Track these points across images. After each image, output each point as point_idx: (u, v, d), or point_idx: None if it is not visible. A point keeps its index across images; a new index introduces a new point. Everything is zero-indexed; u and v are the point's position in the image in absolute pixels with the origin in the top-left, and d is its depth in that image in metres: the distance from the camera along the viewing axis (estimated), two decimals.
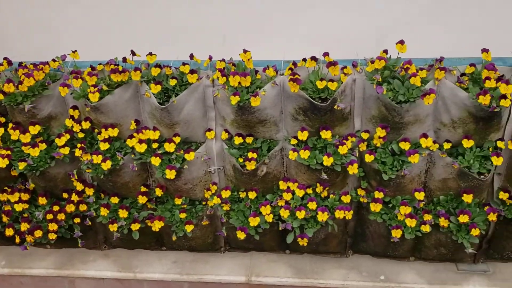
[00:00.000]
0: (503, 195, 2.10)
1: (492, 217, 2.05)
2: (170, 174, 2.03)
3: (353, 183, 2.27)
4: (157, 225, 2.18)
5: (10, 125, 2.15)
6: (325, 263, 2.49)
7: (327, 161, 1.97)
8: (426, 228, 2.09)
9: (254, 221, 2.11)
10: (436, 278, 2.36)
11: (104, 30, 2.56)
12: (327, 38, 2.47)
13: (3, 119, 2.21)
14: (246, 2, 2.55)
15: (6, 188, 2.34)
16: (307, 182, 2.16)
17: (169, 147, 2.05)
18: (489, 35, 2.13)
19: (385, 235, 2.21)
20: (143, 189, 2.27)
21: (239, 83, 1.89)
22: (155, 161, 2.05)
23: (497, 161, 1.94)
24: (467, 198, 2.03)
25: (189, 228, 2.20)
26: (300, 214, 2.09)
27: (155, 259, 2.60)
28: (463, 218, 2.03)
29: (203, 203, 2.30)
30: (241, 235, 2.14)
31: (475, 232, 2.04)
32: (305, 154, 1.99)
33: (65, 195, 2.32)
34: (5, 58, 2.15)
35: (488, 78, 1.81)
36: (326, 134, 2.00)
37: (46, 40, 2.64)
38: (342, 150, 1.97)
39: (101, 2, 2.57)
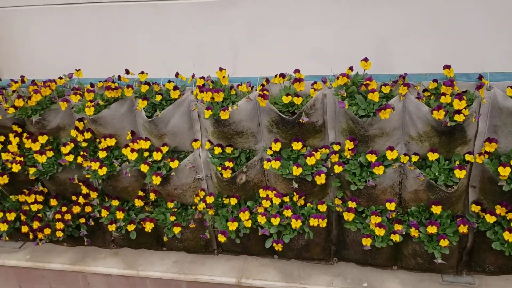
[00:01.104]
0: (475, 208, 2.13)
1: (463, 229, 2.09)
2: (156, 180, 2.24)
3: (334, 193, 2.38)
4: (148, 226, 2.40)
5: (25, 134, 2.45)
6: (312, 269, 2.60)
7: (296, 171, 2.10)
8: (396, 238, 2.16)
9: (232, 226, 2.28)
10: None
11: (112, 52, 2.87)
12: (315, 53, 2.63)
13: (20, 129, 2.52)
14: (240, 20, 2.76)
15: (24, 190, 2.65)
16: (284, 190, 2.30)
17: (156, 156, 2.26)
18: (459, 51, 2.18)
19: (362, 244, 2.29)
20: (140, 193, 2.50)
21: (212, 98, 2.07)
22: (144, 168, 2.27)
23: (460, 174, 1.98)
24: (436, 210, 2.08)
25: (176, 230, 2.40)
26: (275, 221, 2.23)
27: (158, 258, 2.82)
28: (431, 229, 2.09)
29: (193, 207, 2.49)
30: (221, 238, 2.31)
31: (444, 243, 2.08)
32: (276, 164, 2.13)
33: (74, 198, 2.60)
34: (22, 76, 2.47)
35: (444, 94, 1.87)
36: (297, 146, 2.13)
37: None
38: (310, 161, 2.09)
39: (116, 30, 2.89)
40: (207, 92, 2.06)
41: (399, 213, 2.26)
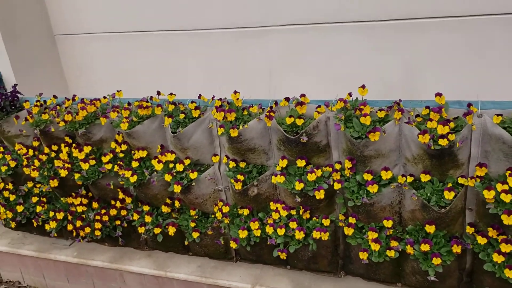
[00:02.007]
0: (470, 229, 2.22)
1: (457, 249, 2.19)
2: (177, 188, 2.54)
3: (340, 209, 2.54)
4: (171, 230, 2.69)
5: (74, 145, 2.85)
6: (322, 281, 2.75)
7: (298, 186, 2.31)
8: (391, 253, 2.29)
9: (242, 234, 2.51)
10: None
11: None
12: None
13: (70, 141, 2.92)
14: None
15: (72, 193, 3.04)
16: (292, 204, 2.50)
17: (179, 167, 2.56)
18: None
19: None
20: (168, 201, 2.81)
21: (225, 117, 2.34)
22: (168, 177, 2.57)
23: (449, 195, 2.09)
24: (430, 229, 2.20)
25: (195, 235, 2.67)
26: (281, 231, 2.44)
27: (184, 262, 3.09)
28: (425, 247, 2.20)
29: (213, 216, 2.76)
30: (233, 245, 2.55)
31: (436, 261, 2.19)
32: (280, 179, 2.35)
33: (112, 202, 2.95)
34: (74, 95, 2.88)
35: (430, 119, 2.02)
36: (301, 163, 2.34)
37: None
38: (311, 177, 2.29)
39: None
40: (221, 112, 2.34)
41: (398, 231, 2.38)
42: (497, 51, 2.81)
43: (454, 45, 2.92)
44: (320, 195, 2.28)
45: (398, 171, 2.32)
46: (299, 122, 2.24)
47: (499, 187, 1.98)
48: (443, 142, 1.97)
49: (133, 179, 2.62)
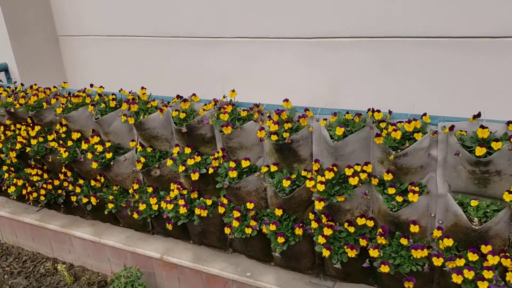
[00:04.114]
0: (311, 216, 2.62)
1: (298, 231, 2.60)
2: (94, 165, 3.09)
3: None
4: (93, 201, 3.26)
5: (31, 124, 3.48)
6: (217, 256, 3.18)
7: (181, 168, 2.80)
8: (248, 231, 2.72)
9: (142, 206, 3.04)
10: None
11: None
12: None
13: (30, 121, 3.55)
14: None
15: (32, 165, 3.68)
16: (187, 186, 3.00)
17: (99, 148, 3.11)
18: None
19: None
20: (98, 176, 3.38)
21: (129, 108, 2.88)
22: (89, 155, 3.13)
23: (286, 183, 2.51)
24: (278, 212, 2.63)
25: (110, 206, 3.24)
26: (170, 206, 2.94)
27: (117, 232, 3.61)
28: (272, 227, 2.63)
29: (130, 190, 3.29)
30: (135, 215, 3.08)
31: (280, 239, 2.61)
32: (170, 162, 2.86)
33: (60, 175, 3.55)
34: (34, 83, 3.52)
35: (269, 119, 2.46)
36: (187, 150, 2.83)
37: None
38: (190, 162, 2.77)
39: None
40: (127, 103, 2.88)
41: (264, 214, 2.81)
42: (404, 68, 3.18)
43: (369, 62, 3.32)
44: (195, 177, 2.76)
45: (262, 162, 2.76)
46: (182, 115, 2.74)
47: (318, 178, 2.39)
48: (273, 138, 2.41)
49: (65, 155, 3.21)
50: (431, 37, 3.04)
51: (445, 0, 2.90)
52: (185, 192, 2.98)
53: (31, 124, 3.49)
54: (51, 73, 5.05)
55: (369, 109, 2.34)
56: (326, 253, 2.45)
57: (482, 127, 2.01)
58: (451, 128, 2.11)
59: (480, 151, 1.96)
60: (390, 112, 2.31)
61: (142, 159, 2.98)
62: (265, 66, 3.90)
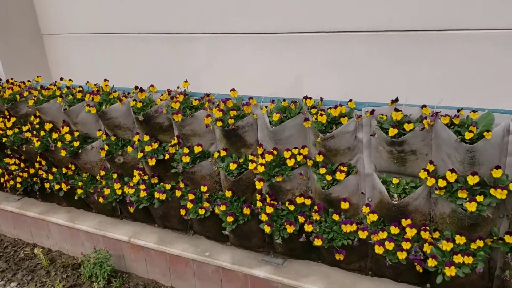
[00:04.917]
0: (258, 196, 2.83)
1: (246, 211, 2.81)
2: (63, 152, 3.30)
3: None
4: (63, 187, 3.47)
5: (8, 116, 3.70)
6: (178, 238, 3.39)
7: (139, 154, 3.01)
8: (202, 212, 2.93)
9: (107, 191, 3.25)
10: None
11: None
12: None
13: (7, 113, 3.77)
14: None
15: (10, 154, 3.90)
16: (148, 171, 3.21)
17: (67, 137, 3.33)
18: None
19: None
20: (69, 165, 3.60)
21: (92, 99, 3.09)
22: (59, 144, 3.35)
23: (233, 166, 2.73)
24: (228, 194, 2.85)
25: (79, 191, 3.44)
26: (131, 190, 3.15)
27: (91, 218, 3.84)
28: (222, 207, 2.84)
29: (97, 177, 3.51)
30: (101, 200, 3.29)
31: (229, 219, 2.82)
32: (129, 149, 3.07)
33: (36, 164, 3.77)
34: (11, 78, 3.74)
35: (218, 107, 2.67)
36: (146, 138, 3.04)
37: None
38: (147, 148, 2.99)
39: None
40: (90, 95, 3.09)
41: (217, 196, 3.02)
42: (359, 61, 3.37)
43: (327, 55, 3.52)
44: (152, 162, 2.98)
45: (215, 148, 2.97)
46: (139, 105, 2.95)
47: (259, 161, 2.60)
48: (218, 124, 2.62)
49: (37, 144, 3.43)
50: (381, 31, 3.23)
51: None
52: (146, 177, 3.20)
53: (7, 116, 3.71)
54: (36, 70, 5.25)
55: (304, 97, 2.55)
56: (267, 229, 2.66)
57: (396, 110, 2.21)
58: (372, 112, 2.32)
59: (392, 131, 2.17)
60: (321, 99, 2.52)
61: (106, 147, 3.19)
62: (233, 59, 4.10)
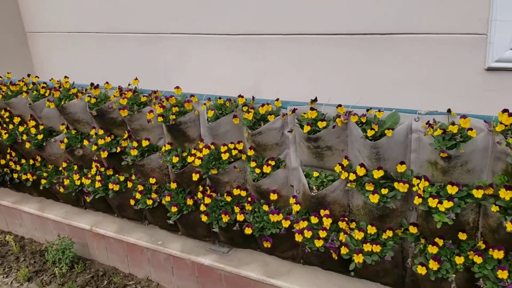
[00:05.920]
0: (200, 188, 3.03)
1: (189, 202, 3.00)
2: (27, 145, 3.52)
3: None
4: (29, 177, 3.68)
5: None
6: (136, 228, 3.62)
7: (94, 147, 3.22)
8: (149, 202, 3.13)
9: (66, 181, 3.46)
10: None
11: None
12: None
13: None
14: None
15: None
16: (105, 163, 3.41)
17: (32, 130, 3.54)
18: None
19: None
20: (37, 156, 3.81)
21: (52, 94, 3.30)
22: (24, 137, 3.56)
23: (175, 159, 2.92)
24: (172, 186, 3.04)
25: (43, 181, 3.66)
26: (87, 181, 3.36)
27: (59, 208, 4.06)
28: (167, 198, 3.04)
29: (60, 169, 3.72)
30: (61, 189, 3.50)
31: (173, 209, 3.01)
32: (86, 142, 3.28)
33: (8, 156, 3.99)
34: None
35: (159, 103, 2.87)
36: (101, 131, 3.25)
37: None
38: (100, 142, 3.19)
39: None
40: (51, 91, 3.30)
41: (167, 188, 3.22)
42: (318, 63, 3.55)
43: (287, 57, 3.69)
44: (104, 155, 3.18)
45: (164, 142, 3.16)
46: (93, 101, 3.15)
47: (197, 154, 2.79)
48: (159, 119, 2.82)
49: (5, 136, 3.65)
50: (335, 34, 3.40)
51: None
52: (102, 169, 3.40)
53: None
54: (20, 68, 5.48)
55: (239, 95, 2.73)
56: (204, 218, 2.85)
57: (311, 109, 2.39)
58: (294, 110, 2.50)
59: (306, 128, 2.35)
60: (253, 98, 2.70)
61: (66, 140, 3.40)
62: (199, 59, 4.29)
